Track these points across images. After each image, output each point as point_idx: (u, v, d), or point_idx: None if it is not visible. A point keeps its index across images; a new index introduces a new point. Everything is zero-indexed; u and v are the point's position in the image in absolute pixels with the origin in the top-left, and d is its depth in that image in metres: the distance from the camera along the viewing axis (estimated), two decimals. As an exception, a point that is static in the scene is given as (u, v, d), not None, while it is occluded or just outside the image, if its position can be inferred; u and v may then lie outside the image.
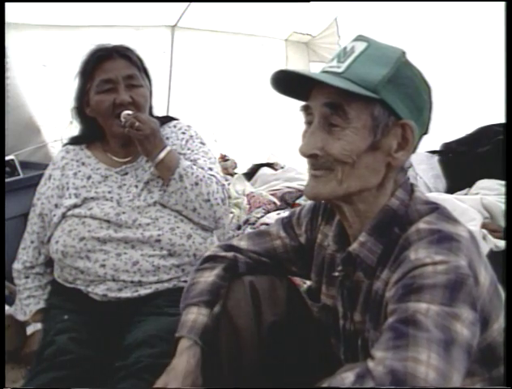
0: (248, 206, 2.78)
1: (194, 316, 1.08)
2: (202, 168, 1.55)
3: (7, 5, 1.65)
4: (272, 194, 2.94)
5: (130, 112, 1.46)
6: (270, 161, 3.91)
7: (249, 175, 3.60)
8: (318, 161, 0.90)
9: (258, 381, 1.07)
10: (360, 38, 0.92)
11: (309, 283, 1.76)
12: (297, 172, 3.42)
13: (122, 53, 1.52)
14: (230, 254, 1.17)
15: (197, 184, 1.48)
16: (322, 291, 1.09)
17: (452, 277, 0.78)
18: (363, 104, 0.87)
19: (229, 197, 1.59)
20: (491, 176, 2.57)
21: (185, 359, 1.03)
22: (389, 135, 0.89)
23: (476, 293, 0.80)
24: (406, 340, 0.74)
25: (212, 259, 1.18)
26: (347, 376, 0.76)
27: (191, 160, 1.56)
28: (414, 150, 0.92)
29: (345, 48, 0.92)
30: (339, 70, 0.88)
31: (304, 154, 0.92)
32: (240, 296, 1.10)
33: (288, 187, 3.02)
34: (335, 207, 0.98)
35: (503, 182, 2.34)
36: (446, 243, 0.82)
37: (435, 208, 0.90)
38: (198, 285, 1.13)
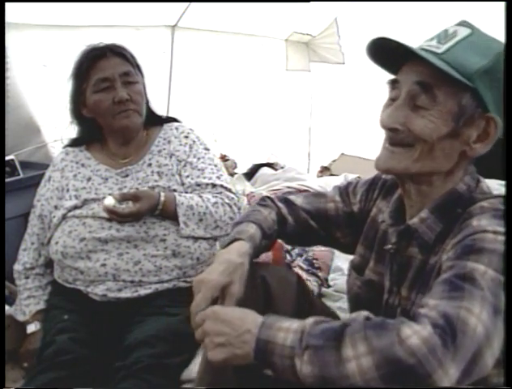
0: (248, 206, 2.78)
1: (254, 231, 1.09)
2: (210, 179, 1.55)
3: (7, 5, 1.64)
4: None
5: (110, 202, 1.41)
6: (270, 161, 3.91)
7: (249, 175, 3.60)
8: (398, 136, 0.90)
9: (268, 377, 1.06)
10: (464, 24, 0.91)
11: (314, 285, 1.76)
12: (297, 172, 3.42)
13: (116, 51, 1.52)
14: (284, 210, 1.18)
15: (201, 220, 1.48)
16: (368, 266, 1.09)
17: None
18: (453, 90, 0.86)
19: (239, 208, 1.57)
20: (491, 176, 2.57)
21: (247, 263, 1.02)
22: (472, 126, 0.89)
23: None
24: (461, 293, 0.75)
25: (271, 200, 1.21)
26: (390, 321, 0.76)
27: (198, 170, 1.56)
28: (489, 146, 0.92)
29: (447, 30, 0.91)
30: (439, 51, 0.88)
31: (385, 126, 0.92)
32: (252, 292, 1.08)
33: (288, 187, 3.01)
34: (400, 184, 0.98)
35: (503, 182, 2.34)
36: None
37: (499, 196, 0.91)
38: (261, 215, 1.15)
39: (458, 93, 0.86)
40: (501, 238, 0.81)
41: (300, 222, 1.18)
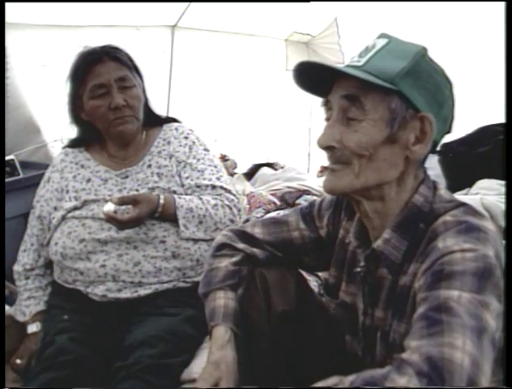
0: (248, 206, 2.77)
1: (224, 301, 1.08)
2: (210, 180, 1.54)
3: (7, 5, 1.65)
4: (272, 194, 2.94)
5: (110, 208, 1.39)
6: (270, 161, 3.91)
7: (249, 175, 3.61)
8: (335, 154, 0.91)
9: (270, 370, 1.06)
10: (382, 35, 0.94)
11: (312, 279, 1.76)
12: (297, 172, 3.42)
13: (112, 55, 1.51)
14: (248, 249, 1.16)
15: (201, 222, 1.48)
16: (341, 288, 1.08)
17: (481, 265, 0.79)
18: (380, 97, 0.87)
19: (239, 210, 1.57)
20: (491, 176, 2.57)
21: (230, 351, 1.03)
22: (407, 128, 0.89)
23: (502, 286, 0.80)
24: (440, 327, 0.74)
25: (229, 247, 1.18)
26: (378, 370, 0.75)
27: (198, 171, 1.55)
28: (435, 147, 0.92)
29: (367, 45, 0.93)
30: (359, 64, 0.90)
31: (321, 146, 0.92)
32: (251, 288, 1.10)
33: (288, 187, 3.01)
34: (354, 203, 0.98)
35: (503, 182, 2.34)
36: (474, 233, 0.83)
37: (461, 204, 0.90)
38: (220, 271, 1.13)
39: (385, 98, 0.87)
40: (470, 255, 0.80)
41: (267, 253, 1.16)
